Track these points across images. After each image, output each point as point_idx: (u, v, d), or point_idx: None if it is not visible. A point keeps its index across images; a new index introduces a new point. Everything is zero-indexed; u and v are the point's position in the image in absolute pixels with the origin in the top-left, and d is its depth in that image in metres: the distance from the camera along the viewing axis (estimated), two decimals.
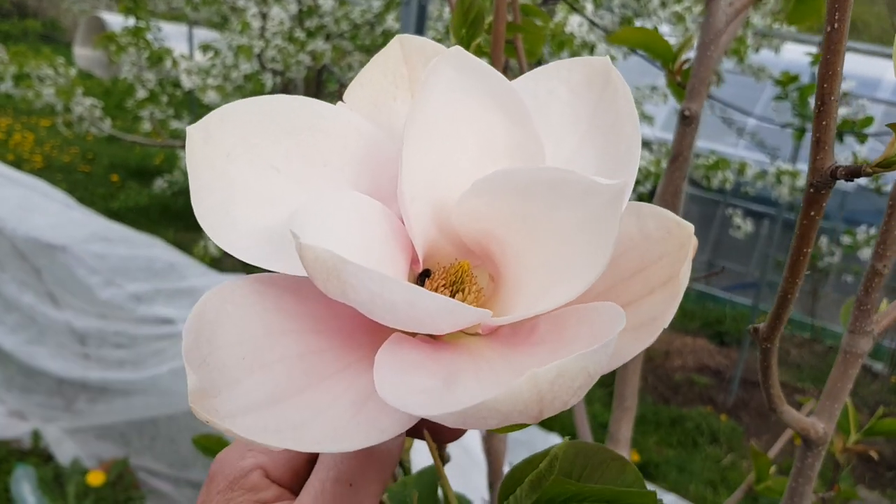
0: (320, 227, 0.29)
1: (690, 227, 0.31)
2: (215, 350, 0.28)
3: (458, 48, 0.33)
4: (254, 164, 0.33)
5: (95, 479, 2.28)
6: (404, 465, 0.45)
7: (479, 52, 0.82)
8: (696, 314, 4.71)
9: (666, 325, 0.30)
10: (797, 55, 3.22)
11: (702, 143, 3.73)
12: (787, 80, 2.56)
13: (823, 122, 0.36)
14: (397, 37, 0.38)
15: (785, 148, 3.52)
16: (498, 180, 0.32)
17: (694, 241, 0.31)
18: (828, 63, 0.35)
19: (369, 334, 0.31)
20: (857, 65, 3.82)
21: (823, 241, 3.82)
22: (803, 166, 3.29)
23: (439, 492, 0.40)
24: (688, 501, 2.42)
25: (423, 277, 0.34)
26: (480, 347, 0.31)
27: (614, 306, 0.28)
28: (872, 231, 3.19)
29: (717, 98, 2.97)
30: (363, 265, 0.25)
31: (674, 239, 0.31)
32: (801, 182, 3.00)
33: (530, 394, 0.23)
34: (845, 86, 2.84)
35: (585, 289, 0.29)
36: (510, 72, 0.99)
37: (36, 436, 2.46)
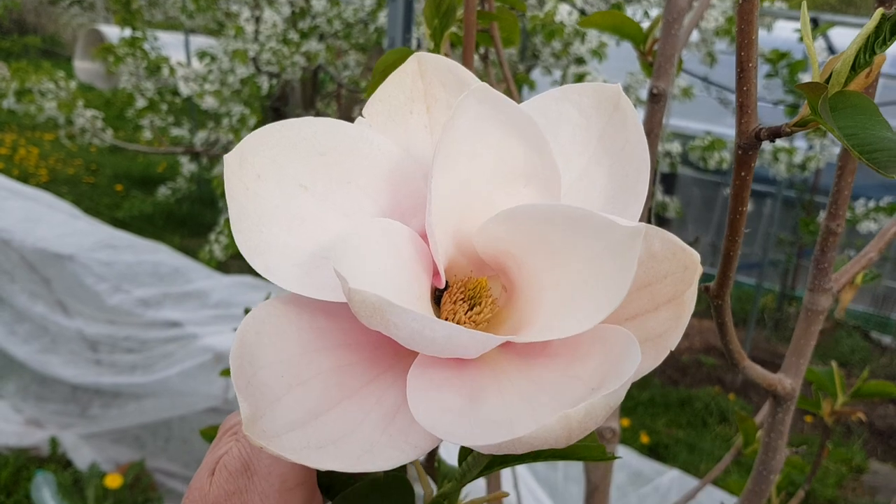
0: (359, 262, 0.31)
1: (696, 254, 0.33)
2: (257, 371, 0.31)
3: (484, 85, 0.35)
4: (282, 184, 0.35)
5: (113, 482, 2.32)
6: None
7: (453, 41, 0.84)
8: (701, 295, 4.69)
9: (672, 347, 0.32)
10: (789, 32, 3.23)
11: (698, 125, 3.74)
12: (776, 57, 2.57)
13: (744, 88, 0.39)
14: (414, 55, 0.41)
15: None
16: (521, 212, 0.35)
17: (699, 269, 0.33)
18: (743, 32, 0.38)
19: (394, 345, 0.33)
20: (852, 38, 3.81)
21: (823, 215, 3.82)
22: (800, 143, 3.29)
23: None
24: (694, 477, 2.44)
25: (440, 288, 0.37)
26: (500, 361, 0.34)
27: (628, 333, 0.30)
28: (871, 204, 3.20)
29: (710, 80, 2.98)
30: (406, 307, 0.28)
31: (678, 260, 0.34)
32: (798, 158, 3.01)
33: (561, 430, 0.26)
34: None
35: (603, 318, 0.30)
36: (489, 61, 1.02)
37: (54, 443, 2.50)
